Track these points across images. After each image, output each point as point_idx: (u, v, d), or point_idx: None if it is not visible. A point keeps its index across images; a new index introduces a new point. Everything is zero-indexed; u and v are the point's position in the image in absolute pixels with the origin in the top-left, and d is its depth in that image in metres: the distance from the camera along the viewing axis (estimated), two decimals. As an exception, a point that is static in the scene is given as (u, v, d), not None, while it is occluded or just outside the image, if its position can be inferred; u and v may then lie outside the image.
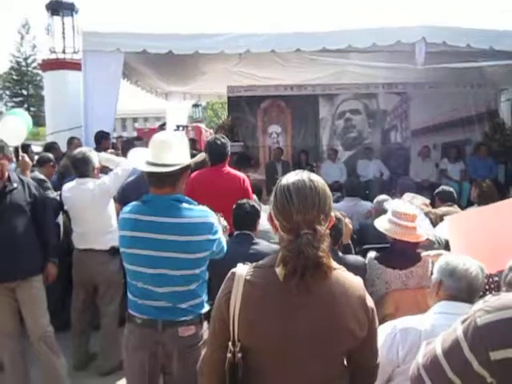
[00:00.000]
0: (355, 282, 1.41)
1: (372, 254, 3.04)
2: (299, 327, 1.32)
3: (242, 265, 1.43)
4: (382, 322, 2.75)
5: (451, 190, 4.41)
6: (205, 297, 2.22)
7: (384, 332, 1.96)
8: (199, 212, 2.18)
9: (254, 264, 1.41)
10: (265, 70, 8.75)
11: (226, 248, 2.34)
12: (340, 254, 2.96)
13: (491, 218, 2.53)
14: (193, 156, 2.32)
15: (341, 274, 1.39)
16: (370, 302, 1.41)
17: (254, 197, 4.31)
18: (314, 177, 1.39)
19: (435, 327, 1.82)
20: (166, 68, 7.42)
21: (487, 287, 2.80)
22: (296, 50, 5.83)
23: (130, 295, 2.21)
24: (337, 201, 6.33)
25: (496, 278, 2.84)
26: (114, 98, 5.80)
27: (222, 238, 2.27)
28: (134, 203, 2.23)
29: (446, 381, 1.14)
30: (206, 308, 2.21)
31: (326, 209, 1.35)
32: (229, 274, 1.42)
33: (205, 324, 2.17)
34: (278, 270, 1.31)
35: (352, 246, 3.51)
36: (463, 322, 1.16)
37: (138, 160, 2.23)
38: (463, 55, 6.68)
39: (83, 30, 5.83)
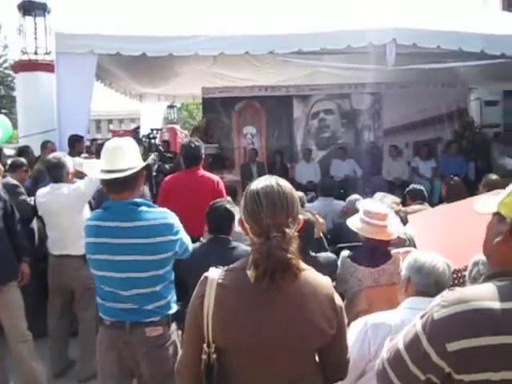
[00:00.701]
0: (323, 281, 1.47)
1: (345, 253, 3.12)
2: (271, 327, 1.37)
3: (214, 269, 1.48)
4: (355, 318, 2.82)
5: (421, 188, 4.54)
6: (171, 298, 2.29)
7: (356, 328, 2.03)
8: (158, 214, 2.24)
9: (226, 267, 1.46)
10: (239, 72, 8.80)
11: (190, 248, 2.43)
12: (312, 253, 3.02)
13: (455, 215, 2.63)
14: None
15: (309, 274, 1.45)
16: (339, 300, 1.47)
17: (229, 199, 4.35)
18: (282, 182, 1.45)
19: (404, 322, 1.89)
20: (139, 70, 7.39)
21: (456, 281, 2.91)
22: (270, 52, 5.89)
23: (98, 298, 2.28)
24: (311, 200, 6.43)
25: (465, 273, 2.95)
26: (87, 100, 5.75)
27: (184, 238, 2.35)
28: (96, 210, 2.33)
29: (408, 373, 1.21)
30: (174, 309, 2.28)
31: (293, 212, 1.41)
32: (202, 278, 1.47)
33: (173, 325, 2.26)
34: (250, 273, 1.36)
35: (324, 239, 3.60)
36: (422, 317, 1.23)
37: (93, 170, 2.31)
38: (433, 56, 6.85)
39: (56, 31, 5.76)
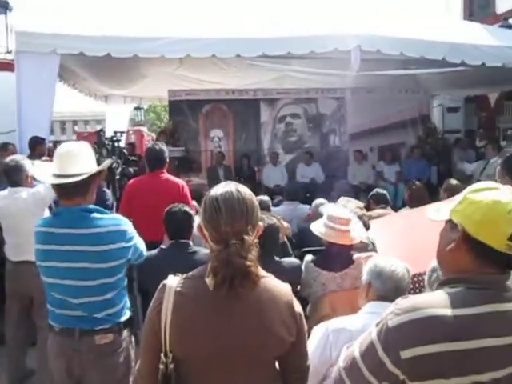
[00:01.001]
0: (283, 288, 1.46)
1: (309, 258, 3.13)
2: (230, 335, 1.36)
3: (172, 276, 1.45)
4: (319, 322, 2.83)
5: (384, 192, 4.61)
6: (123, 305, 2.27)
7: (317, 333, 2.04)
8: (111, 220, 2.21)
9: (185, 275, 1.44)
10: (206, 74, 8.76)
11: (145, 253, 2.42)
12: (276, 258, 3.03)
13: (415, 221, 2.68)
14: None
15: (269, 281, 1.44)
16: (298, 307, 1.47)
17: (194, 203, 4.32)
18: (242, 188, 1.44)
19: (365, 327, 1.90)
20: (104, 71, 7.26)
21: (417, 285, 2.97)
22: (236, 56, 5.89)
23: (48, 305, 2.25)
24: (278, 204, 6.45)
25: (424, 277, 3.02)
26: (49, 101, 5.60)
27: (138, 243, 2.33)
28: (46, 216, 2.31)
29: (364, 381, 1.21)
30: (126, 316, 2.27)
31: (253, 219, 1.40)
32: (160, 285, 1.45)
33: (125, 332, 2.24)
34: (208, 280, 1.35)
35: (288, 244, 3.61)
36: (377, 324, 1.24)
37: (44, 174, 2.26)
38: (397, 62, 7.00)
39: (16, 29, 5.60)
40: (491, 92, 11.12)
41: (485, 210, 1.20)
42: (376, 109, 9.56)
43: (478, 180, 6.80)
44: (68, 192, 2.18)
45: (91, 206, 2.22)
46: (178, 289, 1.39)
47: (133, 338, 2.34)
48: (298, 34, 5.92)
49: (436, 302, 1.18)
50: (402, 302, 1.21)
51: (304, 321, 1.50)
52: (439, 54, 6.12)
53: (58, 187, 2.20)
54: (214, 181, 8.62)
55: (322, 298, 2.94)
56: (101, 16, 5.95)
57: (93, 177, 2.22)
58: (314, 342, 1.99)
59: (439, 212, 1.32)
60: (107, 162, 2.41)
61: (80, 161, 2.18)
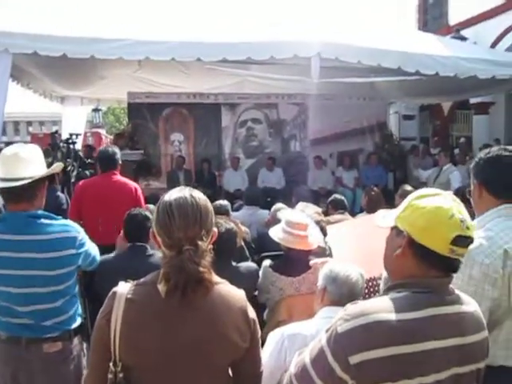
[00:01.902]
0: (237, 294, 1.46)
1: (267, 263, 3.13)
2: (182, 342, 1.34)
3: (123, 283, 1.42)
4: (276, 327, 2.83)
5: (342, 198, 4.68)
6: (74, 312, 2.22)
7: (273, 338, 2.03)
8: (60, 227, 2.15)
9: (136, 282, 1.41)
10: (167, 77, 8.68)
11: (98, 258, 2.38)
12: (233, 263, 3.02)
13: (369, 226, 2.73)
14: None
15: (223, 287, 1.43)
16: (252, 314, 1.47)
17: (151, 206, 4.25)
18: (196, 193, 1.43)
19: (319, 332, 1.91)
20: (60, 71, 7.06)
21: (371, 289, 3.02)
22: (196, 60, 5.85)
23: None
24: (238, 208, 6.44)
25: (379, 281, 3.07)
26: (0, 101, 5.40)
27: (90, 249, 2.28)
28: None
29: None
30: (77, 323, 2.22)
31: (207, 224, 1.39)
32: (110, 293, 1.41)
33: (75, 339, 2.19)
34: (160, 287, 1.33)
35: (246, 249, 3.60)
36: (327, 331, 1.26)
37: None
38: (356, 70, 7.14)
39: (-35, 27, 5.37)
40: (445, 101, 11.54)
41: (428, 216, 1.24)
42: (336, 115, 9.73)
43: (432, 187, 7.04)
44: (14, 196, 2.11)
45: (39, 212, 2.15)
46: (129, 296, 1.36)
47: (84, 345, 2.28)
48: (259, 39, 5.94)
49: (382, 307, 1.21)
50: (351, 308, 1.23)
51: (258, 327, 1.49)
52: (395, 63, 6.28)
53: (3, 191, 2.13)
54: (174, 185, 8.38)
55: (280, 303, 2.95)
56: (57, 15, 5.80)
57: (41, 181, 2.15)
58: (270, 346, 1.99)
59: (385, 219, 1.35)
60: (56, 166, 2.33)
61: (27, 164, 2.11)
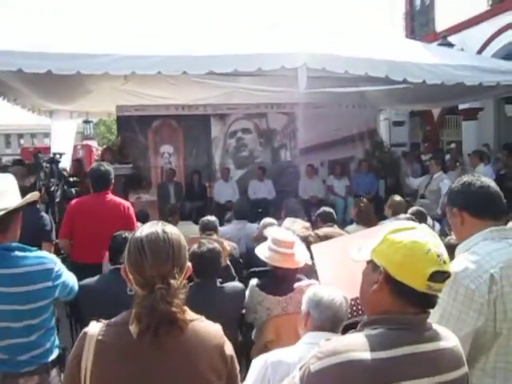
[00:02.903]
0: (213, 331, 1.41)
1: (253, 282, 3.09)
2: None
3: (95, 323, 1.38)
4: (263, 348, 2.82)
5: (331, 211, 4.65)
6: (50, 345, 2.16)
7: (257, 366, 2.00)
8: (35, 259, 2.09)
9: (107, 322, 1.37)
10: (155, 89, 8.65)
11: (76, 287, 2.31)
12: (218, 283, 2.97)
13: (354, 245, 2.70)
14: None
15: (198, 325, 1.38)
16: (229, 350, 1.42)
17: (140, 224, 4.21)
18: (169, 228, 1.39)
19: (302, 358, 1.87)
20: (47, 87, 7.01)
21: (355, 308, 2.99)
22: (183, 73, 5.83)
23: None
24: (229, 219, 6.40)
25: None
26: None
27: (68, 279, 2.22)
28: None
29: None
30: (54, 355, 2.16)
31: (180, 261, 1.35)
32: (81, 333, 1.37)
33: (53, 371, 2.13)
34: (132, 328, 1.29)
35: (231, 267, 3.56)
36: (300, 368, 1.22)
37: None
38: (344, 79, 7.14)
39: None
40: (433, 108, 11.59)
41: (404, 251, 1.21)
42: (325, 123, 9.70)
43: (423, 195, 7.04)
44: None
45: (13, 244, 2.09)
46: (100, 337, 1.32)
47: (62, 376, 2.22)
48: (245, 51, 5.93)
49: (356, 345, 1.17)
50: (324, 345, 1.20)
51: (235, 363, 1.45)
52: (382, 72, 6.28)
53: None
54: (164, 198, 8.51)
55: (267, 323, 2.91)
56: (41, 32, 5.76)
57: (14, 212, 2.09)
58: (253, 375, 1.96)
59: (360, 252, 1.32)
60: (30, 196, 2.27)
61: (2, 195, 2.05)
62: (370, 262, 1.29)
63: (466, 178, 1.84)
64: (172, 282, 1.30)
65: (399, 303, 1.22)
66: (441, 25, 11.25)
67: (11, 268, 2.03)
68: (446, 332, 1.27)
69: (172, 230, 1.39)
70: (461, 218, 1.83)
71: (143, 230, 1.37)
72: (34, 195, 2.26)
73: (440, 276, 1.19)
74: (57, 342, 2.22)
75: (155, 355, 1.29)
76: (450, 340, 1.25)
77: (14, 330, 2.03)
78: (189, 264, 1.40)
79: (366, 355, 1.14)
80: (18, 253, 2.07)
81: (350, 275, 2.62)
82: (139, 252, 1.32)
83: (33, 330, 2.07)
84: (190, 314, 1.36)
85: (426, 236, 1.23)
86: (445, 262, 1.20)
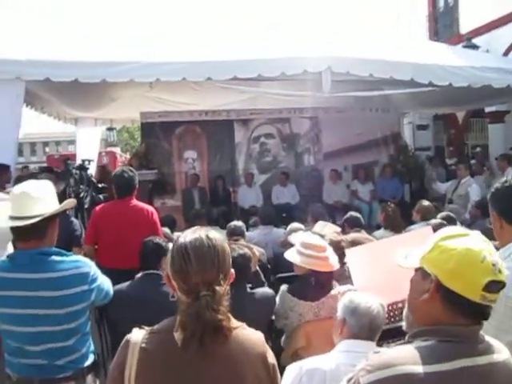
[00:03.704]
0: (255, 339, 1.39)
1: (284, 287, 3.06)
2: None
3: (137, 330, 1.36)
4: (294, 355, 2.79)
5: (358, 216, 4.59)
6: (86, 350, 2.17)
7: (291, 374, 1.96)
8: (71, 263, 2.11)
9: (151, 329, 1.35)
10: (178, 96, 8.72)
11: (111, 291, 2.33)
12: (248, 289, 2.95)
13: (390, 249, 2.66)
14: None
15: (241, 332, 1.36)
16: (271, 358, 1.40)
17: (166, 230, 4.23)
18: (212, 234, 1.37)
19: (339, 366, 1.86)
20: (73, 95, 7.13)
21: (391, 314, 2.93)
22: (207, 79, 5.86)
23: (5, 353, 2.13)
24: (254, 224, 6.38)
25: (400, 305, 2.98)
26: (14, 127, 5.44)
27: (103, 283, 2.23)
28: (1, 260, 2.16)
29: None
30: (89, 361, 2.16)
31: (225, 268, 1.33)
32: (123, 341, 1.35)
33: (89, 377, 2.14)
34: (177, 336, 1.27)
35: (261, 273, 3.54)
36: (349, 381, 1.18)
37: (0, 215, 2.15)
38: (367, 83, 7.09)
39: (-23, 57, 5.45)
40: (459, 111, 11.39)
41: (458, 259, 1.16)
42: (348, 128, 9.63)
43: (450, 200, 6.91)
44: (24, 234, 2.08)
45: (50, 249, 2.12)
46: (143, 345, 1.30)
47: (98, 382, 2.23)
48: (269, 56, 5.94)
49: (407, 358, 1.13)
50: (374, 358, 1.16)
51: (277, 372, 1.42)
52: (407, 75, 6.21)
53: (13, 230, 2.10)
54: (189, 203, 8.54)
55: (298, 330, 2.87)
56: (67, 41, 5.87)
57: (51, 218, 2.12)
58: (287, 382, 1.92)
59: (408, 259, 1.27)
60: (67, 203, 2.30)
61: (37, 202, 2.08)
62: (419, 270, 1.23)
63: (510, 181, 1.78)
64: (217, 288, 1.28)
65: (451, 313, 1.17)
66: (465, 26, 11.07)
67: (48, 272, 2.05)
68: (499, 344, 1.22)
69: (216, 235, 1.37)
70: (500, 222, 1.79)
71: (186, 235, 1.35)
72: (70, 202, 2.28)
73: (495, 286, 1.14)
74: (92, 348, 2.23)
75: (201, 363, 1.27)
76: (502, 353, 1.20)
77: (52, 334, 2.04)
78: (232, 270, 1.38)
79: (419, 369, 1.10)
80: (54, 257, 2.09)
81: (386, 280, 2.59)
82: (184, 258, 1.30)
83: (70, 335, 2.08)
84: (233, 322, 1.34)
85: (480, 243, 1.18)
86: (500, 271, 1.15)
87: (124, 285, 2.95)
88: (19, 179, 5.08)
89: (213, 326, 1.25)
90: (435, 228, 2.71)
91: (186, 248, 1.31)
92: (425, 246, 1.24)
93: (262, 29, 6.76)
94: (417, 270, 1.25)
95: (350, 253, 2.89)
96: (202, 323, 1.23)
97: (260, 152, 9.86)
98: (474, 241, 1.19)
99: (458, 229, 1.26)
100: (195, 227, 1.41)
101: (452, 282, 1.15)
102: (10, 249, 3.44)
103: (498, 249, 1.78)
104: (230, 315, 1.31)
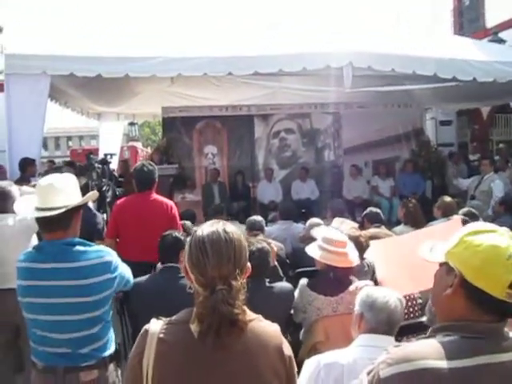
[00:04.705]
0: (271, 331, 1.40)
1: (304, 281, 3.07)
2: None
3: (155, 320, 1.38)
4: (312, 349, 2.80)
5: (378, 211, 4.57)
6: (108, 338, 2.22)
7: (309, 367, 1.98)
8: (94, 253, 2.16)
9: (168, 320, 1.38)
10: (199, 91, 8.77)
11: (131, 279, 2.39)
12: (267, 283, 2.97)
13: (413, 242, 2.65)
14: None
15: (257, 324, 1.37)
16: (288, 350, 1.41)
17: (187, 223, 4.27)
18: (230, 228, 1.37)
19: (357, 360, 1.87)
20: (96, 90, 7.25)
21: (411, 310, 2.92)
22: (228, 74, 5.89)
23: (30, 342, 2.19)
24: (273, 220, 6.39)
25: (420, 301, 2.96)
26: (40, 122, 5.57)
27: (123, 271, 2.29)
28: (28, 251, 2.23)
29: None
30: (111, 349, 2.22)
31: (241, 262, 1.34)
32: (142, 330, 1.38)
33: (110, 366, 2.19)
34: (193, 327, 1.29)
35: (279, 267, 3.55)
36: (368, 373, 1.19)
37: (27, 206, 2.23)
38: (389, 78, 7.02)
39: (6, 52, 5.59)
40: (483, 106, 11.19)
41: (483, 256, 1.14)
42: (370, 123, 9.55)
43: (473, 196, 6.80)
44: (49, 225, 2.15)
45: (74, 239, 2.18)
46: (161, 335, 1.32)
47: (119, 372, 2.28)
48: (290, 51, 5.93)
49: (429, 352, 1.12)
50: (395, 351, 1.16)
51: (294, 363, 1.44)
52: (430, 70, 6.14)
53: (39, 220, 2.17)
54: (208, 198, 8.59)
55: (316, 324, 2.89)
56: (91, 36, 5.96)
57: (75, 210, 2.17)
58: (305, 376, 1.94)
59: (432, 252, 1.26)
60: (91, 195, 2.35)
61: (61, 194, 2.14)
62: (444, 265, 1.22)
63: None
64: (233, 283, 1.29)
65: (475, 310, 1.16)
66: (491, 20, 10.86)
67: (73, 262, 2.11)
68: None
69: (233, 229, 1.37)
70: None
71: (203, 229, 1.36)
72: (93, 194, 2.34)
73: None
74: (113, 336, 2.28)
75: (217, 355, 1.29)
76: None
77: (78, 322, 2.09)
78: (248, 264, 1.39)
79: (440, 363, 1.09)
80: (79, 247, 2.15)
81: (409, 272, 2.58)
82: (201, 252, 1.31)
83: (95, 322, 2.13)
84: (248, 314, 1.36)
85: (507, 240, 1.16)
86: None
87: (144, 278, 3.00)
88: (47, 173, 5.20)
89: (229, 319, 1.27)
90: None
91: (203, 241, 1.33)
92: (450, 240, 1.22)
93: (283, 24, 6.75)
94: (441, 264, 1.24)
95: (374, 244, 2.88)
96: (217, 316, 1.25)
97: (280, 147, 9.85)
98: (500, 237, 1.17)
99: (485, 224, 1.24)
100: (213, 220, 1.42)
101: (476, 279, 1.14)
102: (35, 241, 3.54)
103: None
104: (245, 308, 1.33)
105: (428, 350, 1.13)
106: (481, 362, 1.11)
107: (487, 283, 1.13)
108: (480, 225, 1.24)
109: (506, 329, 1.18)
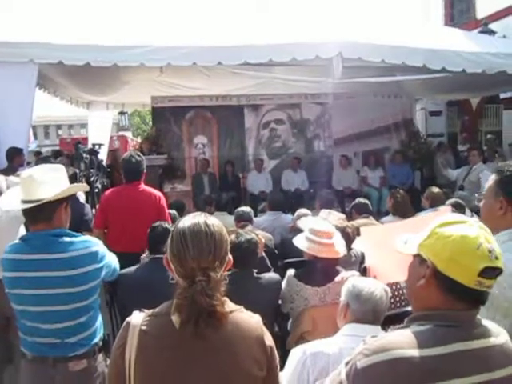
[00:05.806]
0: (252, 322, 1.41)
1: (291, 272, 3.09)
2: (198, 375, 1.31)
3: (137, 313, 1.40)
4: (299, 339, 2.83)
5: (366, 202, 4.59)
6: (97, 326, 2.25)
7: (295, 356, 2.00)
8: (81, 244, 2.18)
9: (151, 312, 1.39)
10: (189, 80, 8.71)
11: (118, 268, 2.43)
12: (255, 274, 2.99)
13: (401, 231, 2.68)
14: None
15: (238, 315, 1.39)
16: (269, 341, 1.42)
17: (174, 212, 4.27)
18: (211, 220, 1.39)
19: (342, 350, 1.89)
20: (85, 79, 7.17)
21: (398, 299, 2.95)
22: (217, 64, 5.85)
23: (20, 333, 2.21)
24: (263, 210, 6.40)
25: (405, 290, 3.00)
26: (28, 111, 5.50)
27: (110, 260, 2.32)
28: (14, 242, 2.24)
29: None
30: (99, 336, 2.25)
31: (221, 254, 1.36)
32: (124, 323, 1.39)
33: (99, 356, 2.22)
34: (174, 318, 1.30)
35: (266, 258, 3.57)
36: (346, 364, 1.21)
37: (14, 198, 2.26)
38: (379, 69, 7.02)
39: (-9, 39, 5.49)
40: (473, 97, 11.24)
41: (453, 246, 1.17)
42: (360, 114, 9.59)
43: (462, 186, 6.86)
44: (32, 217, 2.17)
45: (60, 230, 2.19)
46: (143, 327, 1.34)
47: (108, 362, 2.29)
48: (279, 41, 5.90)
49: (404, 342, 1.15)
50: (371, 342, 1.18)
51: (275, 354, 1.45)
52: (420, 61, 6.14)
53: (24, 212, 2.18)
54: (198, 188, 8.59)
55: (303, 314, 2.91)
56: (80, 25, 5.87)
57: (57, 201, 2.17)
58: (291, 365, 1.96)
59: (407, 245, 1.29)
60: (72, 187, 2.34)
61: (41, 186, 2.14)
62: (417, 256, 1.25)
63: None
64: (212, 274, 1.31)
65: (447, 299, 1.19)
66: (482, 11, 10.87)
67: (60, 253, 2.12)
68: (496, 328, 1.23)
69: (214, 222, 1.39)
70: (504, 209, 1.77)
71: (185, 221, 1.38)
72: (79, 187, 2.33)
73: (491, 272, 1.15)
74: (102, 323, 2.31)
75: (197, 346, 1.31)
76: (500, 336, 1.21)
77: (65, 312, 2.12)
78: (229, 257, 1.40)
79: (415, 352, 1.12)
80: (65, 238, 2.16)
81: (394, 261, 2.61)
82: (181, 243, 1.33)
83: (83, 312, 2.16)
84: (229, 306, 1.37)
85: (476, 230, 1.19)
86: (497, 258, 1.16)
87: (132, 268, 3.01)
88: (37, 164, 5.17)
89: (207, 310, 1.28)
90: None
91: (184, 233, 1.34)
92: (423, 232, 1.26)
93: (273, 13, 6.70)
94: (415, 256, 1.27)
95: (365, 231, 2.91)
96: (196, 307, 1.27)
97: (270, 138, 9.86)
98: (470, 228, 1.20)
99: (455, 216, 1.28)
100: (196, 213, 1.43)
101: (447, 269, 1.17)
102: (23, 231, 3.52)
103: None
104: (226, 300, 1.34)
105: (403, 340, 1.16)
106: (454, 350, 1.14)
107: (458, 273, 1.16)
108: (451, 216, 1.27)
109: (478, 316, 1.21)
